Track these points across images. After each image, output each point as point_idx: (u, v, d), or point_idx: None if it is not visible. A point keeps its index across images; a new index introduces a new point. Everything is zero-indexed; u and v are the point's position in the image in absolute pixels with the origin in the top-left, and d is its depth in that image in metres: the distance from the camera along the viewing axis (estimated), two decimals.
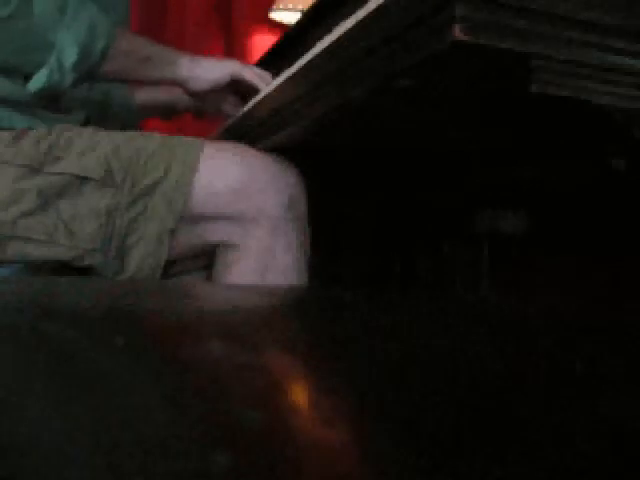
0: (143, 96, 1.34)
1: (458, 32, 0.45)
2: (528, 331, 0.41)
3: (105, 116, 1.27)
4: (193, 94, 1.07)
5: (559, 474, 0.20)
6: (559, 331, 0.42)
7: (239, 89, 1.09)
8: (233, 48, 2.39)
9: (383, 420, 0.23)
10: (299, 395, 0.28)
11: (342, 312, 0.45)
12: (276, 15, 2.20)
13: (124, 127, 1.25)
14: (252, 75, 1.06)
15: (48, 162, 0.87)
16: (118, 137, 0.91)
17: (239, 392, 0.26)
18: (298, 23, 1.26)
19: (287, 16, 2.17)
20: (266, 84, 1.06)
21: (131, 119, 1.32)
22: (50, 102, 0.94)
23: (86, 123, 0.99)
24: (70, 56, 0.88)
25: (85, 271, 0.88)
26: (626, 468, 0.20)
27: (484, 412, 0.25)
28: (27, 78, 0.90)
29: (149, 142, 0.91)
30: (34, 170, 0.87)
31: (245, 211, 0.90)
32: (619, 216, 0.86)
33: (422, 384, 0.28)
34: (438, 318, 0.45)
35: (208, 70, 1.03)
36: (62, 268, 0.87)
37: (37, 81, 0.89)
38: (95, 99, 1.26)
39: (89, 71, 0.92)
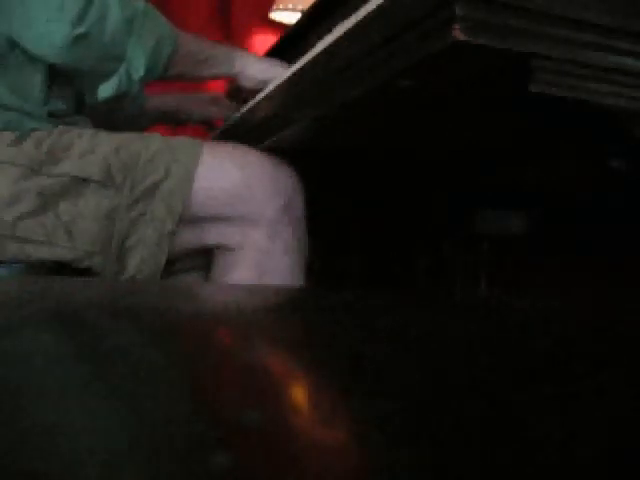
0: (152, 104, 1.34)
1: (458, 32, 0.45)
2: (528, 331, 0.41)
3: (116, 117, 1.27)
4: (242, 89, 1.12)
5: (559, 474, 0.20)
6: (559, 331, 0.42)
7: None
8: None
9: (383, 420, 0.23)
10: (299, 395, 0.28)
11: (341, 312, 0.45)
12: (276, 15, 2.20)
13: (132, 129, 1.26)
14: None
15: (48, 163, 0.87)
16: (118, 139, 0.91)
17: (239, 392, 0.26)
18: (298, 23, 1.26)
19: (287, 16, 2.17)
20: None
21: (141, 122, 1.32)
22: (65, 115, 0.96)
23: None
24: (139, 68, 0.92)
25: (85, 272, 0.88)
26: (626, 469, 0.20)
27: (484, 412, 0.25)
28: (93, 85, 0.93)
29: (149, 144, 0.91)
30: (34, 171, 0.87)
31: (244, 213, 0.90)
32: (619, 216, 0.86)
33: (422, 384, 0.28)
34: (438, 318, 0.45)
35: (257, 68, 1.07)
36: (62, 268, 0.87)
37: (106, 89, 0.92)
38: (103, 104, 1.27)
39: (155, 78, 0.96)
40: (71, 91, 0.97)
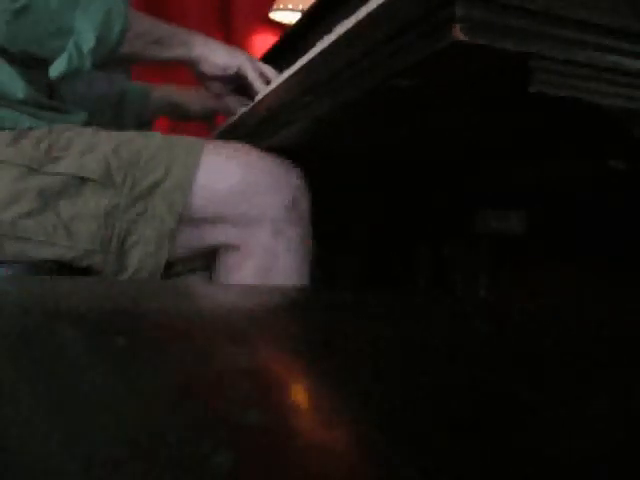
0: (158, 94, 1.34)
1: (458, 32, 0.45)
2: (528, 331, 0.41)
3: (120, 110, 1.27)
4: (200, 76, 1.09)
5: (559, 474, 0.20)
6: (559, 331, 0.42)
7: (243, 85, 1.10)
8: None
9: (384, 420, 0.23)
10: (300, 395, 0.28)
11: (342, 312, 0.45)
12: (276, 15, 2.20)
13: (139, 123, 1.26)
14: (254, 76, 1.07)
15: (48, 162, 0.87)
16: (118, 137, 0.91)
17: (239, 392, 0.26)
18: (298, 23, 1.26)
19: (287, 16, 2.17)
20: (269, 81, 1.07)
21: (145, 114, 1.32)
22: (53, 98, 0.94)
23: (88, 123, 0.99)
24: (88, 41, 0.88)
25: (85, 271, 0.88)
26: (626, 468, 0.20)
27: (485, 412, 0.25)
28: (45, 66, 0.90)
29: (149, 142, 0.90)
30: (34, 170, 0.86)
31: (247, 213, 0.89)
32: (619, 216, 0.86)
33: (423, 384, 0.28)
34: (438, 318, 0.45)
35: (218, 55, 1.05)
36: (62, 268, 0.87)
37: (57, 67, 0.89)
38: (109, 95, 1.26)
39: (107, 54, 0.93)
40: (47, 79, 0.94)
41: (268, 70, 1.10)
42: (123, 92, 1.31)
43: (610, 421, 0.24)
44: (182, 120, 1.41)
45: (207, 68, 1.05)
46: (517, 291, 1.07)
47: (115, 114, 1.27)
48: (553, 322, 0.45)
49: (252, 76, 1.06)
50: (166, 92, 1.35)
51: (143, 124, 1.30)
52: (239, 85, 1.12)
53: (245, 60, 1.08)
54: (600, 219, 0.89)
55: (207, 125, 1.41)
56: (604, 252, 0.89)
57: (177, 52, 1.02)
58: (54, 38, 0.88)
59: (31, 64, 0.91)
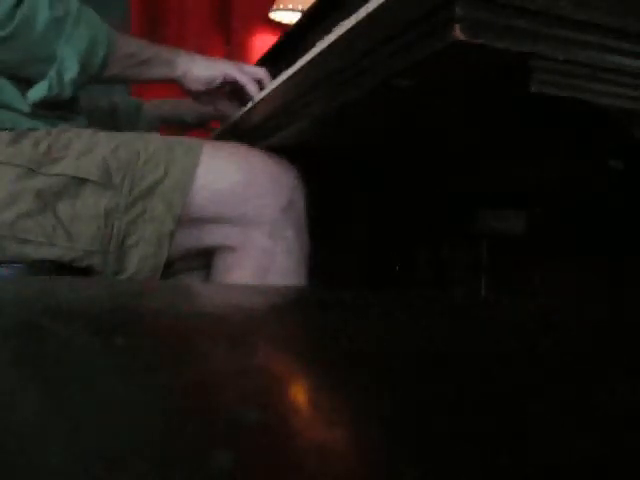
0: (150, 109, 1.35)
1: (458, 32, 0.45)
2: (527, 331, 0.41)
3: (115, 123, 1.28)
4: (189, 92, 1.09)
5: (559, 474, 0.20)
6: (558, 331, 0.42)
7: (236, 89, 1.10)
8: (233, 48, 2.39)
9: (384, 420, 0.23)
10: (300, 395, 0.28)
11: (342, 312, 0.45)
12: (276, 15, 2.20)
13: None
14: (243, 78, 1.07)
15: (46, 163, 0.87)
16: (117, 138, 0.91)
17: (239, 392, 0.26)
18: (298, 23, 1.26)
19: (287, 16, 2.17)
20: (261, 80, 1.07)
21: (139, 129, 1.32)
22: (53, 109, 0.94)
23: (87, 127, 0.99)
24: (70, 69, 0.89)
25: (85, 271, 0.88)
26: (624, 467, 0.20)
27: (485, 412, 0.25)
28: (29, 86, 0.90)
29: (148, 143, 0.90)
30: (32, 171, 0.86)
31: (245, 213, 0.89)
32: (619, 216, 0.86)
33: (423, 384, 0.28)
34: (438, 318, 0.45)
35: (202, 68, 1.05)
36: (62, 268, 0.87)
37: (37, 92, 0.90)
38: (103, 108, 1.27)
39: (90, 79, 0.93)
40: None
41: (258, 71, 1.10)
42: (115, 105, 1.31)
43: (610, 421, 0.24)
44: (179, 132, 1.41)
45: (192, 84, 1.05)
46: (517, 291, 1.07)
47: (112, 127, 1.27)
48: (553, 322, 0.45)
49: (242, 79, 1.06)
50: (157, 107, 1.35)
51: None
52: (233, 89, 1.12)
53: (228, 67, 1.07)
54: (600, 219, 0.89)
55: (204, 132, 1.42)
56: (604, 252, 0.89)
57: (161, 72, 1.03)
58: (36, 65, 0.89)
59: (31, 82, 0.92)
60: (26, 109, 0.91)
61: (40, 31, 0.86)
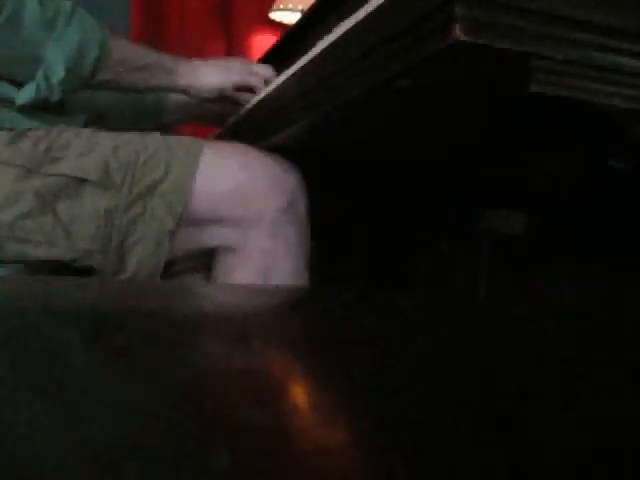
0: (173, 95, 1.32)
1: (458, 32, 0.45)
2: (528, 331, 0.41)
3: (137, 114, 1.25)
4: (199, 101, 1.07)
5: (559, 474, 0.20)
6: (558, 331, 0.42)
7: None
8: (233, 48, 2.39)
9: (384, 420, 0.23)
10: (300, 395, 0.28)
11: (342, 312, 0.45)
12: (276, 15, 2.20)
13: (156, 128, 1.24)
14: (254, 81, 1.05)
15: (46, 163, 0.87)
16: (117, 138, 0.91)
17: (239, 392, 0.26)
18: (298, 23, 1.26)
19: (287, 16, 2.17)
20: (269, 80, 1.06)
21: (163, 117, 1.29)
22: (53, 106, 0.94)
23: (87, 126, 0.99)
24: (57, 72, 0.87)
25: (85, 271, 0.88)
26: (624, 468, 0.20)
27: (485, 413, 0.25)
28: (20, 86, 0.89)
29: (148, 143, 0.90)
30: (32, 171, 0.86)
31: (245, 214, 0.89)
32: (619, 216, 0.86)
33: (423, 385, 0.28)
34: (438, 318, 0.45)
35: (209, 78, 1.02)
36: (62, 268, 0.87)
37: (25, 94, 0.89)
38: (127, 98, 1.24)
39: (81, 82, 0.92)
40: None
41: (265, 70, 1.09)
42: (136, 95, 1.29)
43: (610, 421, 0.24)
44: (197, 120, 1.36)
45: (201, 94, 1.02)
46: (517, 291, 1.07)
47: (132, 115, 1.24)
48: (552, 322, 0.45)
49: (252, 82, 1.05)
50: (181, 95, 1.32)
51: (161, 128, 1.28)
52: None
53: (236, 73, 1.04)
54: (600, 219, 0.89)
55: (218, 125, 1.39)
56: (604, 252, 0.89)
57: (161, 80, 0.99)
58: (24, 64, 0.87)
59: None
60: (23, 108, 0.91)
61: (28, 28, 0.84)
